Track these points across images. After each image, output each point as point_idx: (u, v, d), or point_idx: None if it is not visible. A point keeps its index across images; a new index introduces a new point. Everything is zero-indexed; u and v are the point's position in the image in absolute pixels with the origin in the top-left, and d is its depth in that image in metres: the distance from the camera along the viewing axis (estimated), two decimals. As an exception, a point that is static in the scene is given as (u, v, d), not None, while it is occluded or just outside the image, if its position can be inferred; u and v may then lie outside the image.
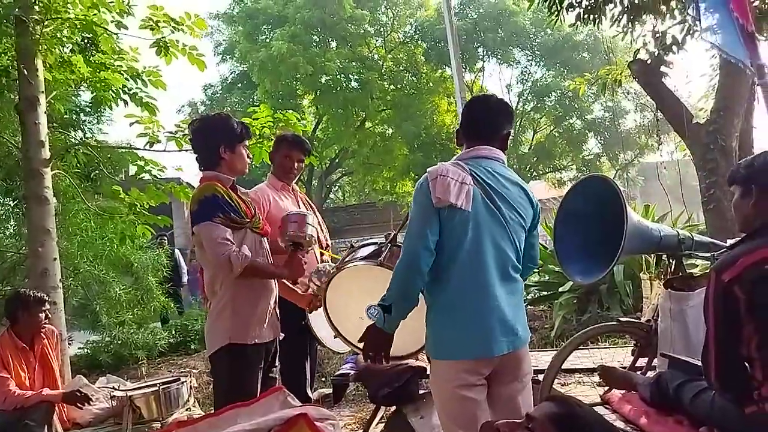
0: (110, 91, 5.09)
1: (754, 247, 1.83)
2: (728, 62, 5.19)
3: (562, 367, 3.04)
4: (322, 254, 3.24)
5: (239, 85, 20.43)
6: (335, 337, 2.62)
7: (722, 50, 2.97)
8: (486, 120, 2.16)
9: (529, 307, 7.45)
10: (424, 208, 1.97)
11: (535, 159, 20.24)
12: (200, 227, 2.46)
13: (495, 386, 2.03)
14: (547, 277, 7.61)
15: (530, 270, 2.27)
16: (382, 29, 19.34)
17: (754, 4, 5.19)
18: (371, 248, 2.48)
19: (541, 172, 20.80)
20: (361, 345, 2.28)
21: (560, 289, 6.94)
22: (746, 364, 1.83)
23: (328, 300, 2.52)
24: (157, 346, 6.68)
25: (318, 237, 3.28)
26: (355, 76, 17.85)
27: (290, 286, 2.93)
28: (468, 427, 1.92)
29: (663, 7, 5.83)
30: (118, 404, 3.57)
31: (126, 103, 5.13)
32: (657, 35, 6.00)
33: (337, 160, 20.85)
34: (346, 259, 2.52)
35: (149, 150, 4.83)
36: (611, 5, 6.01)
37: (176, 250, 9.70)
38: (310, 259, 2.95)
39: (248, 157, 2.74)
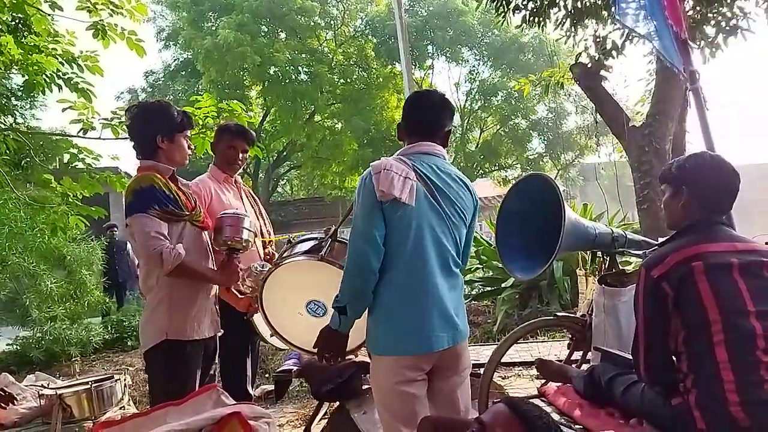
0: (44, 76, 4.83)
1: (682, 245, 1.90)
2: (664, 68, 5.42)
3: (502, 361, 3.09)
4: (265, 247, 3.18)
5: (183, 72, 19.79)
6: (271, 335, 2.57)
7: (661, 55, 3.08)
8: (430, 116, 2.16)
9: (472, 302, 7.61)
10: (369, 203, 1.96)
11: (481, 157, 20.56)
12: (133, 219, 2.36)
13: (435, 381, 2.05)
14: (490, 273, 7.77)
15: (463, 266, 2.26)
16: (332, 22, 19.17)
17: (689, 14, 5.44)
18: (311, 243, 2.44)
19: (487, 170, 21.17)
20: (296, 343, 2.28)
21: (503, 285, 7.12)
22: (673, 358, 1.91)
23: (265, 298, 2.45)
24: (91, 343, 6.45)
25: (261, 231, 3.22)
26: (305, 69, 17.62)
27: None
28: (408, 423, 1.93)
29: (604, 13, 6.03)
30: (46, 403, 3.39)
31: (60, 88, 4.88)
32: (598, 40, 6.19)
33: (285, 153, 20.57)
34: (284, 255, 2.47)
35: (84, 137, 4.62)
36: (555, 9, 6.17)
37: (128, 244, 9.27)
38: (250, 255, 2.89)
39: (189, 147, 2.65)
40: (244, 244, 2.60)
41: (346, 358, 3.15)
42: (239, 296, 2.84)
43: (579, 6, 6.07)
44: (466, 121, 20.77)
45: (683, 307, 1.84)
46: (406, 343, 1.96)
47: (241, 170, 3.32)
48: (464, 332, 2.09)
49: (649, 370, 1.92)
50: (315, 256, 2.30)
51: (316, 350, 2.07)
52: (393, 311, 1.97)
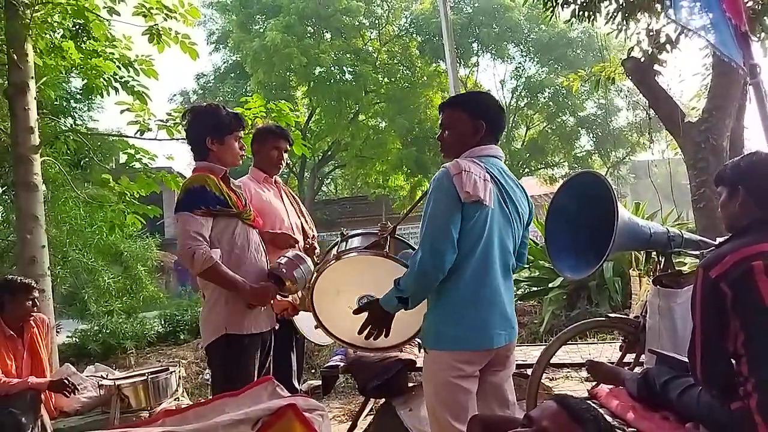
0: (101, 79, 5.05)
1: (741, 244, 1.84)
2: (721, 62, 5.22)
3: (551, 362, 3.05)
4: (306, 238, 3.21)
5: (232, 74, 20.29)
6: (316, 327, 2.56)
7: (716, 49, 2.98)
8: (503, 119, 2.23)
9: (519, 302, 7.51)
10: (449, 204, 1.96)
11: (527, 155, 20.28)
12: (178, 216, 2.46)
13: (485, 376, 2.10)
14: (537, 273, 7.65)
15: (519, 267, 2.34)
16: (377, 21, 19.26)
17: (748, 5, 5.22)
18: (368, 238, 2.43)
19: (533, 168, 20.85)
20: (343, 338, 2.39)
21: (550, 285, 6.99)
22: (732, 360, 1.84)
23: (318, 290, 2.45)
24: (145, 336, 6.68)
25: (303, 228, 3.27)
26: (349, 69, 17.77)
27: None
28: (457, 417, 1.97)
29: (657, 6, 5.84)
30: (106, 393, 3.56)
31: (117, 90, 5.09)
32: (651, 33, 6.01)
33: (329, 153, 20.78)
34: (341, 250, 2.45)
35: (140, 138, 4.80)
36: (606, 2, 6.02)
37: None
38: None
39: (241, 148, 2.69)
40: (289, 284, 2.58)
41: (392, 354, 3.18)
42: (279, 300, 2.84)
43: (631, -1, 5.90)
44: (511, 118, 20.49)
45: (743, 308, 1.78)
46: (468, 340, 2.01)
47: (286, 169, 3.37)
48: (516, 330, 2.17)
49: (706, 372, 1.87)
50: (380, 252, 2.30)
51: (363, 329, 2.09)
52: (457, 309, 2.01)
